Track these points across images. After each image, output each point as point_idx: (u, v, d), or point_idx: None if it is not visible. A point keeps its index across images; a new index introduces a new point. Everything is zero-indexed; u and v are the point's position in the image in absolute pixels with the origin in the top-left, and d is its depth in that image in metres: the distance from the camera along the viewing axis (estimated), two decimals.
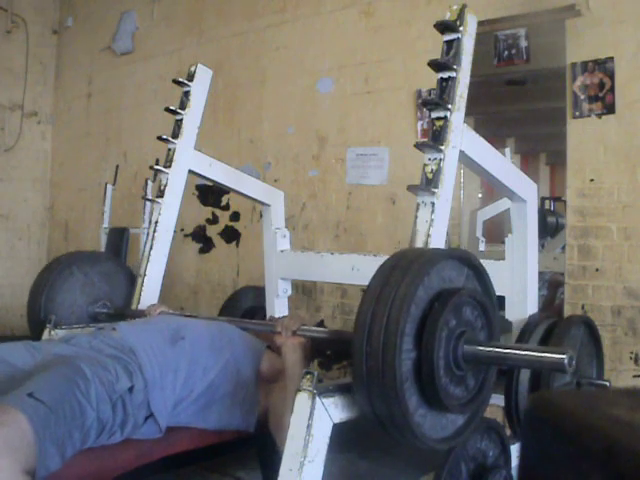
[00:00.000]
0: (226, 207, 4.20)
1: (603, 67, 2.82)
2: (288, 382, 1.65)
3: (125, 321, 1.99)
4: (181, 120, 2.38)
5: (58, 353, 1.61)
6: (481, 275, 1.46)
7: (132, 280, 2.39)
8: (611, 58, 2.81)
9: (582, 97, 2.87)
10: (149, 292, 2.29)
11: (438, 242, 1.65)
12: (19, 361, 1.54)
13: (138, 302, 2.26)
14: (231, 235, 4.18)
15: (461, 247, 3.39)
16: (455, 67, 1.65)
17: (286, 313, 2.57)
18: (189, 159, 2.39)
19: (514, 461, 1.73)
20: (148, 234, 2.38)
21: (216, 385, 1.69)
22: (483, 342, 1.39)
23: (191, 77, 2.41)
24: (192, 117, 2.40)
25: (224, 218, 4.22)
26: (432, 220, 1.63)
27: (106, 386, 1.47)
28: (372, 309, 1.25)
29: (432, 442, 1.33)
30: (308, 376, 1.27)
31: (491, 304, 1.46)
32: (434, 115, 1.67)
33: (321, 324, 1.98)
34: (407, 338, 1.24)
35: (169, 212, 2.35)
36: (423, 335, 1.27)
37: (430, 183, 1.63)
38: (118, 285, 2.43)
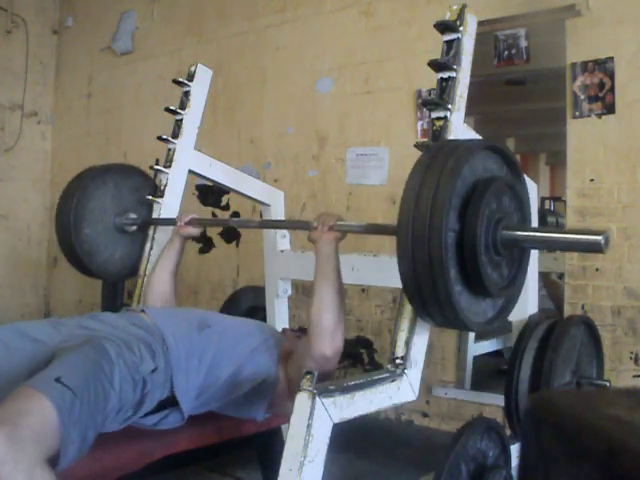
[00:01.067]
0: (226, 207, 4.19)
1: (603, 67, 2.82)
2: (318, 276, 1.66)
3: (153, 307, 2.00)
4: (181, 120, 2.39)
5: (85, 327, 1.61)
6: (517, 170, 1.55)
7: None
8: (611, 58, 2.81)
9: (582, 97, 2.87)
10: None
11: None
12: (45, 337, 1.53)
13: (138, 302, 2.26)
14: (231, 235, 4.18)
15: None
16: (455, 67, 1.65)
17: (286, 313, 2.58)
18: (189, 159, 2.39)
19: (514, 461, 1.74)
20: (148, 234, 2.37)
21: (239, 374, 1.70)
22: (520, 227, 1.48)
23: (191, 77, 2.41)
24: (192, 117, 2.40)
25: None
26: None
27: (130, 368, 1.48)
28: (421, 179, 1.33)
29: (467, 320, 1.37)
30: (308, 376, 1.27)
31: (526, 197, 1.54)
32: (434, 115, 1.67)
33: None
34: (452, 211, 1.32)
35: (169, 212, 2.35)
36: (467, 212, 1.35)
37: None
38: (146, 199, 2.41)
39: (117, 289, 4.10)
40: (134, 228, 2.40)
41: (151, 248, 2.32)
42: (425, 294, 1.35)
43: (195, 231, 2.14)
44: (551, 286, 3.67)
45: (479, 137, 1.82)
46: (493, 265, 1.41)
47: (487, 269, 1.38)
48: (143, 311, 1.77)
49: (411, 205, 1.33)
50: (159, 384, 1.56)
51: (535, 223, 2.18)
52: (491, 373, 3.77)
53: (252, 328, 1.88)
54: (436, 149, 1.43)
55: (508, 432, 1.84)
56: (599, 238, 1.31)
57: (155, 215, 2.36)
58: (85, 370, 1.38)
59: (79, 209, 2.28)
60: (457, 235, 1.34)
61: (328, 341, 1.60)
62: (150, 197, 2.37)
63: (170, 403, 1.61)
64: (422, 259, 1.30)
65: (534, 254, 2.23)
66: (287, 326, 2.46)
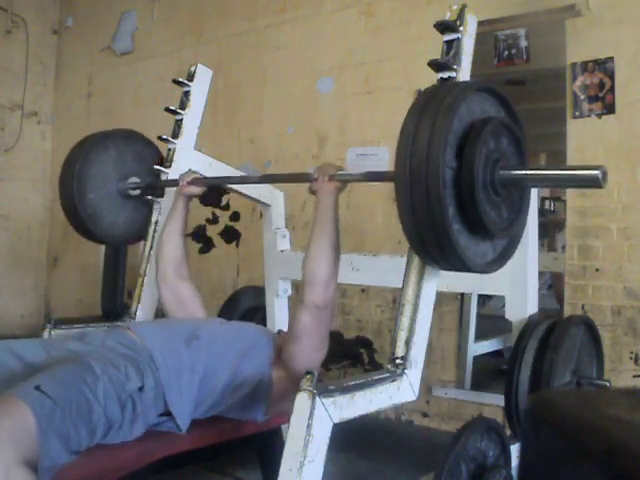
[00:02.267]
0: (226, 207, 4.19)
1: (603, 67, 2.82)
2: (316, 227, 1.68)
3: (139, 321, 2.00)
4: (181, 120, 2.39)
5: (71, 350, 1.61)
6: (513, 113, 1.54)
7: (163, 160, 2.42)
8: (611, 58, 2.81)
9: (582, 97, 2.87)
10: (149, 292, 2.28)
11: None
12: (33, 357, 1.54)
13: (138, 302, 2.26)
14: (231, 235, 4.18)
15: None
16: (455, 67, 1.65)
17: (286, 313, 2.58)
18: (189, 159, 2.39)
19: (514, 461, 1.74)
20: (148, 234, 2.37)
21: (236, 379, 1.69)
22: (518, 167, 1.48)
23: (191, 77, 2.41)
24: (192, 117, 2.40)
25: (224, 218, 4.22)
26: None
27: (115, 385, 1.47)
28: (417, 118, 1.34)
29: (467, 260, 1.38)
30: (308, 376, 1.27)
31: (523, 138, 1.53)
32: None
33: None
34: (449, 149, 1.32)
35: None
36: (464, 149, 1.35)
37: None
38: (150, 164, 2.42)
39: (117, 288, 4.10)
40: (137, 192, 2.41)
41: (151, 248, 2.31)
42: (424, 233, 1.35)
43: (198, 190, 2.14)
44: (561, 288, 3.67)
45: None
46: (492, 205, 1.41)
47: (485, 207, 1.38)
48: (129, 329, 1.75)
49: (408, 145, 1.33)
50: (150, 403, 1.55)
51: (535, 223, 2.18)
52: (491, 373, 3.77)
53: (242, 331, 1.87)
54: (433, 90, 1.44)
55: (508, 432, 1.84)
56: (596, 172, 1.32)
57: (155, 215, 2.36)
58: (66, 380, 1.38)
59: (82, 175, 2.28)
60: (455, 173, 1.34)
61: (321, 291, 1.63)
62: (150, 197, 2.37)
63: (168, 413, 1.61)
64: (420, 197, 1.31)
65: (533, 254, 2.23)
66: (287, 326, 2.46)
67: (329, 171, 1.74)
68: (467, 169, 1.33)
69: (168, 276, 2.05)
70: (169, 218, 2.14)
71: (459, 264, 1.40)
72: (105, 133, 2.45)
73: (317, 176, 1.75)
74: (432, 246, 1.37)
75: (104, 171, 2.36)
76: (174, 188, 2.23)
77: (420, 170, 1.30)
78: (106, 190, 2.36)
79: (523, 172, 1.45)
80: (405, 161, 1.33)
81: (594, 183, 1.34)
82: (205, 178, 2.21)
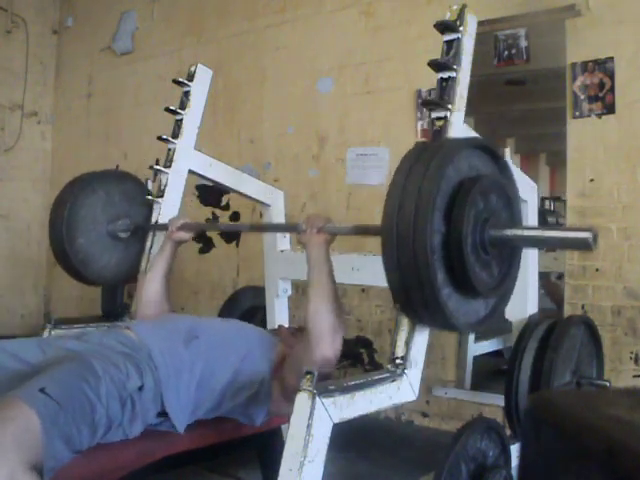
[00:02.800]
0: (226, 207, 4.19)
1: (603, 67, 2.82)
2: (312, 282, 1.65)
3: (137, 321, 1.99)
4: (181, 120, 2.38)
5: (69, 349, 1.61)
6: (505, 167, 1.52)
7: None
8: (611, 58, 2.81)
9: (582, 97, 2.87)
10: None
11: None
12: (30, 356, 1.54)
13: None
14: (231, 235, 4.18)
15: None
16: (455, 67, 1.65)
17: (286, 313, 2.57)
18: (189, 159, 2.39)
19: (514, 461, 1.74)
20: (147, 239, 2.37)
21: (233, 382, 1.69)
22: (508, 226, 1.45)
23: (191, 77, 2.41)
24: (192, 117, 2.40)
25: (224, 218, 4.22)
26: None
27: (116, 384, 1.47)
28: (403, 183, 1.31)
29: (457, 322, 1.36)
30: (308, 376, 1.26)
31: (515, 194, 1.51)
32: (434, 115, 1.67)
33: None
34: (437, 213, 1.29)
35: (169, 212, 2.35)
36: (452, 211, 1.32)
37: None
38: (139, 204, 2.41)
39: (117, 289, 4.10)
40: (127, 234, 2.39)
41: (151, 248, 2.31)
42: (413, 297, 1.33)
43: (187, 236, 2.11)
44: (550, 287, 3.68)
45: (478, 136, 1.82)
46: (482, 265, 1.39)
47: (475, 269, 1.36)
48: (128, 328, 1.74)
49: (394, 211, 1.30)
50: (149, 402, 1.55)
51: (535, 222, 2.18)
52: (491, 373, 3.77)
53: (242, 332, 1.86)
54: (419, 150, 1.40)
55: (508, 432, 1.84)
56: (587, 235, 1.29)
57: (155, 215, 2.36)
58: (70, 382, 1.38)
59: (71, 219, 2.26)
60: (443, 236, 1.32)
61: (328, 344, 1.59)
62: (150, 197, 2.37)
63: (165, 413, 1.61)
64: (408, 263, 1.28)
65: (533, 254, 2.23)
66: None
67: (317, 223, 1.72)
68: (455, 233, 1.31)
69: (145, 317, 2.02)
70: (156, 260, 2.12)
71: (448, 326, 1.39)
72: (93, 174, 2.43)
73: (305, 228, 1.73)
74: (420, 307, 1.35)
75: (93, 214, 2.33)
76: (174, 188, 2.24)
77: (407, 236, 1.27)
78: (96, 233, 2.34)
79: (512, 232, 1.41)
80: (392, 227, 1.29)
81: (585, 246, 1.32)
82: (193, 224, 2.18)
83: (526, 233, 1.45)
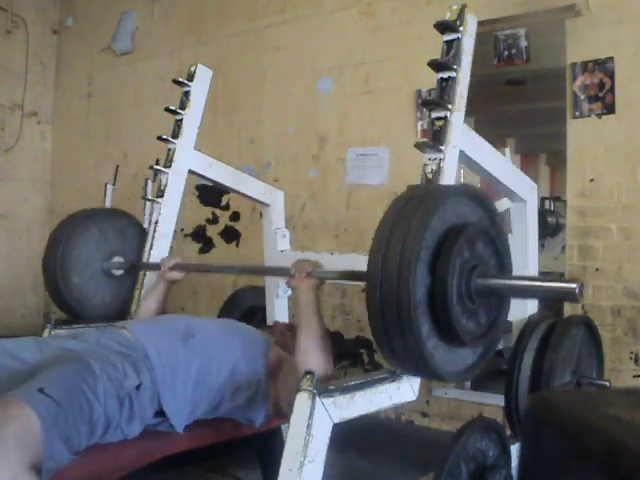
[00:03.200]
0: (226, 207, 4.20)
1: (603, 67, 2.82)
2: (302, 323, 1.68)
3: (133, 320, 2.00)
4: (181, 120, 2.38)
5: (67, 348, 1.62)
6: (492, 214, 1.50)
7: (145, 236, 2.39)
8: (611, 58, 2.81)
9: (582, 97, 2.87)
10: None
11: None
12: (28, 356, 1.55)
13: (138, 302, 2.26)
14: (231, 235, 4.18)
15: None
16: (455, 67, 1.65)
17: (286, 313, 2.57)
18: (189, 159, 2.39)
19: (514, 461, 1.73)
20: (148, 234, 2.37)
21: (230, 381, 1.70)
22: (495, 275, 1.43)
23: (191, 77, 2.41)
24: (192, 117, 2.40)
25: (224, 218, 4.22)
26: None
27: (114, 383, 1.48)
28: (387, 236, 1.29)
29: (443, 373, 1.35)
30: (308, 376, 1.27)
31: (502, 241, 1.49)
32: (434, 115, 1.67)
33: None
34: (421, 265, 1.27)
35: (169, 212, 2.35)
36: (437, 264, 1.30)
37: (430, 183, 1.63)
38: (132, 240, 2.42)
39: None
40: (121, 272, 2.39)
41: (151, 248, 2.31)
42: (396, 348, 1.31)
43: (179, 275, 2.14)
44: None
45: (479, 137, 1.82)
46: (468, 314, 1.37)
47: (461, 320, 1.34)
48: (124, 328, 1.75)
49: (378, 266, 1.28)
50: (146, 401, 1.56)
51: (535, 223, 2.18)
52: (491, 373, 3.77)
53: (237, 332, 1.88)
54: (405, 199, 1.37)
55: (508, 432, 1.84)
56: (573, 286, 1.29)
57: (155, 216, 2.36)
58: (68, 382, 1.39)
59: (65, 258, 2.26)
60: (428, 288, 1.30)
61: (321, 379, 1.60)
62: (150, 197, 2.37)
63: (163, 413, 1.61)
64: (392, 316, 1.26)
65: (533, 254, 2.23)
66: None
67: (306, 268, 1.74)
68: (440, 284, 1.29)
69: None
70: (148, 296, 2.15)
71: (434, 376, 1.38)
72: (86, 212, 2.44)
73: (294, 273, 1.75)
74: (406, 360, 1.34)
75: (87, 252, 2.33)
76: (174, 188, 2.24)
77: (391, 290, 1.25)
78: (90, 271, 2.34)
79: (499, 282, 1.40)
80: (376, 282, 1.28)
81: (570, 297, 1.32)
82: (186, 264, 2.19)
83: (514, 282, 1.44)
